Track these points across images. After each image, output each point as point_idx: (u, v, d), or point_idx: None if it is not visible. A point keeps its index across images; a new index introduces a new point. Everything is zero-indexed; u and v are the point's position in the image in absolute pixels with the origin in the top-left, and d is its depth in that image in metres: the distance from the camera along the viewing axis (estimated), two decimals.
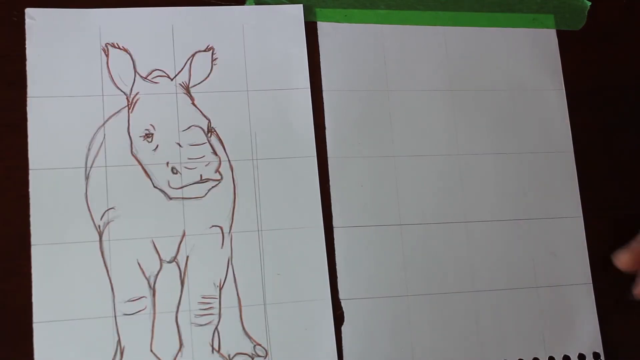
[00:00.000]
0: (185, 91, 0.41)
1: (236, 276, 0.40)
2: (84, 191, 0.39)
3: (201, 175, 0.40)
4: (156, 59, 0.41)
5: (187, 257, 0.40)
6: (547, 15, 0.47)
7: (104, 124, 0.40)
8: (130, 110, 0.41)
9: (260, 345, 0.40)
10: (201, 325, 0.39)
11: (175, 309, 0.39)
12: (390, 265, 0.42)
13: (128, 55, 0.41)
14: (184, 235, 0.40)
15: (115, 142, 0.40)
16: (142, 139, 0.40)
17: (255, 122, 0.42)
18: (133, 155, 0.40)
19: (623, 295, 0.44)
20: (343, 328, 0.41)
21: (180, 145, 0.41)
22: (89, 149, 0.40)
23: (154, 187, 0.40)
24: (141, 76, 0.41)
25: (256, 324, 0.40)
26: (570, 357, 0.43)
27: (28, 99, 0.40)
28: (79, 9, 0.41)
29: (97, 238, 0.39)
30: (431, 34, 0.45)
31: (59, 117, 0.40)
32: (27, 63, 0.40)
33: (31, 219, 0.38)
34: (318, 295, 0.41)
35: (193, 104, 0.41)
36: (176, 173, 0.40)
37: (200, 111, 0.41)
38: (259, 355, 0.39)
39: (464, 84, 0.45)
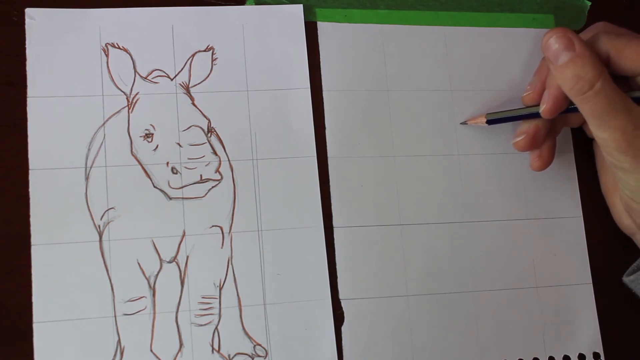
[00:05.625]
0: (185, 91, 0.41)
1: (236, 276, 0.40)
2: (84, 191, 0.39)
3: (201, 175, 0.40)
4: (156, 59, 0.41)
5: (187, 257, 0.40)
6: (547, 15, 0.47)
7: (104, 124, 0.40)
8: (130, 110, 0.41)
9: (260, 345, 0.40)
10: (201, 325, 0.39)
11: (175, 309, 0.39)
12: (390, 265, 0.42)
13: (128, 55, 0.41)
14: (184, 235, 0.40)
15: (115, 142, 0.40)
16: (142, 139, 0.40)
17: (255, 122, 0.42)
18: (133, 155, 0.40)
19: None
20: (343, 328, 0.41)
21: (180, 145, 0.41)
22: (89, 149, 0.40)
23: (154, 187, 0.40)
24: (141, 76, 0.41)
25: (256, 324, 0.40)
26: (570, 357, 0.43)
27: (28, 99, 0.40)
28: (79, 9, 0.41)
29: (97, 238, 0.39)
30: (431, 34, 0.45)
31: (59, 117, 0.40)
32: (27, 63, 0.40)
33: (31, 219, 0.38)
34: (318, 295, 0.41)
35: (193, 104, 0.41)
36: (176, 173, 0.40)
37: (200, 111, 0.41)
38: (259, 355, 0.39)
39: (464, 84, 0.45)
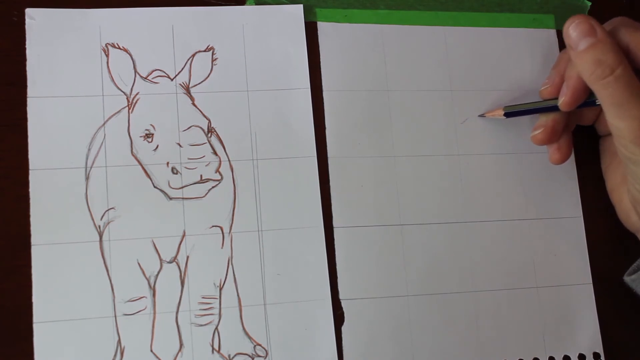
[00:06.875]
0: (185, 91, 0.41)
1: (236, 276, 0.40)
2: (84, 191, 0.39)
3: (201, 176, 0.40)
4: (156, 59, 0.41)
5: (187, 257, 0.40)
6: (547, 15, 0.47)
7: (104, 124, 0.40)
8: (130, 111, 0.41)
9: (260, 345, 0.40)
10: (201, 325, 0.39)
11: (175, 309, 0.39)
12: (390, 265, 0.42)
13: (128, 55, 0.41)
14: (184, 235, 0.40)
15: (115, 142, 0.40)
16: (142, 139, 0.40)
17: (255, 122, 0.42)
18: (133, 155, 0.40)
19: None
20: (343, 328, 0.41)
21: (180, 146, 0.41)
22: (89, 149, 0.40)
23: (154, 187, 0.40)
24: (141, 76, 0.41)
25: (256, 324, 0.40)
26: (570, 357, 0.43)
27: (28, 99, 0.40)
28: (79, 9, 0.41)
29: (97, 238, 0.39)
30: (431, 34, 0.45)
31: (59, 117, 0.40)
32: (27, 63, 0.40)
33: (31, 219, 0.38)
34: (318, 295, 0.41)
35: (193, 104, 0.41)
36: (176, 173, 0.40)
37: (200, 111, 0.41)
38: (259, 356, 0.39)
39: (464, 84, 0.45)
